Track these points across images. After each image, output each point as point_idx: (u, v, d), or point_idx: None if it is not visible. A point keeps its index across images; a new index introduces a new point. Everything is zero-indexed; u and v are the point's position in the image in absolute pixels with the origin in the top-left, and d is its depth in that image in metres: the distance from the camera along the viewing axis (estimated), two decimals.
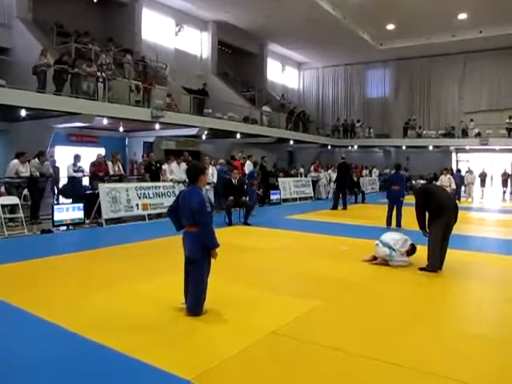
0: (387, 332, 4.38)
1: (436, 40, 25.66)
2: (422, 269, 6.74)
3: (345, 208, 15.98)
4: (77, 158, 11.88)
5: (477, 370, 3.60)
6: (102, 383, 3.26)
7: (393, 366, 3.59)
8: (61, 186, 13.02)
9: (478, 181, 23.26)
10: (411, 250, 7.17)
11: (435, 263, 6.69)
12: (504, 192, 24.44)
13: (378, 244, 7.20)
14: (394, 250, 7.02)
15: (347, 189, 16.87)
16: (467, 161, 27.36)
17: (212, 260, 4.68)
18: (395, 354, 3.81)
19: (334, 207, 15.79)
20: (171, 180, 12.95)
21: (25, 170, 10.78)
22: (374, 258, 7.30)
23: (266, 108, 23.83)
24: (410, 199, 11.84)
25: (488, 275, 6.93)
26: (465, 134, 26.17)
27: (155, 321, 4.47)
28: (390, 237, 7.27)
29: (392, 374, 3.48)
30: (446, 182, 15.65)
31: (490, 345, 4.14)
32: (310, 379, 3.37)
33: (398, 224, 11.01)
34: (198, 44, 25.29)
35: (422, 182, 25.33)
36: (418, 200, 6.93)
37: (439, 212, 6.69)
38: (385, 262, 7.13)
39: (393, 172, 12.33)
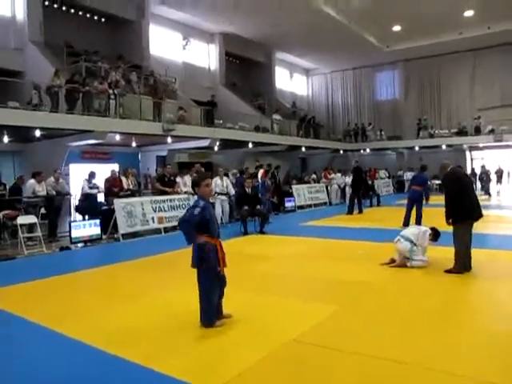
0: (408, 334, 4.33)
1: (443, 39, 25.54)
2: (447, 271, 6.59)
3: (360, 212, 15.90)
4: (92, 175, 12.03)
5: (501, 371, 3.54)
6: None
7: (415, 368, 3.56)
8: (77, 202, 13.15)
9: (494, 178, 22.96)
10: (434, 236, 7.15)
11: (463, 266, 6.54)
12: None
13: (399, 239, 7.16)
14: (415, 245, 6.98)
15: (362, 192, 16.82)
16: (482, 158, 27.01)
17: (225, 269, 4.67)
18: (417, 356, 3.76)
19: (350, 212, 15.69)
20: (185, 192, 13.02)
21: (41, 189, 10.96)
22: (392, 261, 7.24)
23: (276, 116, 23.90)
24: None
25: (508, 274, 6.81)
26: (478, 131, 25.87)
27: (174, 332, 4.48)
28: (410, 231, 7.26)
29: (415, 376, 3.44)
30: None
31: (504, 343, 4.07)
32: (334, 383, 3.34)
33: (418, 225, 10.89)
34: (206, 56, 25.53)
35: (436, 182, 25.19)
36: (450, 187, 6.70)
37: (467, 205, 6.54)
38: (403, 264, 7.07)
39: (416, 173, 12.26)
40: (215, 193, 12.68)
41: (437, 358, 3.72)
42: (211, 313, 4.59)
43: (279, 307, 5.26)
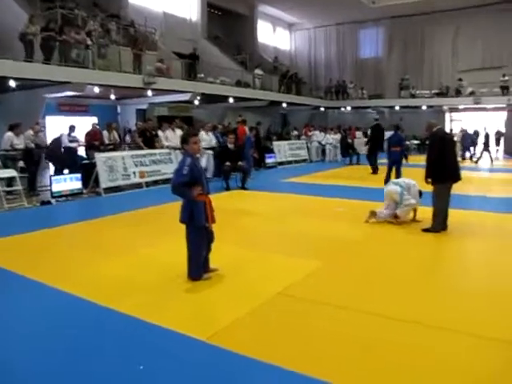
0: (389, 289, 4.54)
1: None
2: (425, 230, 6.82)
3: (375, 172, 14.77)
4: (72, 128, 11.81)
5: (468, 322, 3.78)
6: (116, 346, 3.40)
7: (393, 321, 3.77)
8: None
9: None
10: (418, 195, 7.44)
11: (440, 225, 6.76)
12: (497, 151, 24.56)
13: (390, 184, 7.55)
14: (404, 189, 7.24)
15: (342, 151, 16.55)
16: (460, 120, 27.29)
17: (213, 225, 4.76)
18: (395, 310, 3.99)
19: (375, 171, 14.72)
20: (167, 147, 12.93)
21: (19, 142, 10.73)
22: (373, 214, 7.45)
23: (258, 71, 23.52)
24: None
25: (485, 233, 7.08)
26: (458, 93, 26.01)
27: (163, 285, 4.60)
28: (402, 179, 7.68)
29: (393, 328, 3.66)
30: None
31: (482, 299, 4.31)
32: (318, 336, 3.53)
33: None
34: (187, 6, 24.67)
35: (415, 142, 25.46)
36: (437, 146, 6.75)
37: (449, 167, 6.70)
38: (392, 215, 7.33)
39: (391, 133, 12.20)
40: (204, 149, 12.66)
41: (417, 312, 3.94)
42: (199, 267, 4.71)
43: (264, 262, 5.42)
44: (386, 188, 7.59)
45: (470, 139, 21.99)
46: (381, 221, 7.41)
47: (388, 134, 13.50)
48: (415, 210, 7.44)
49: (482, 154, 20.88)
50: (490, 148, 20.89)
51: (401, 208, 7.26)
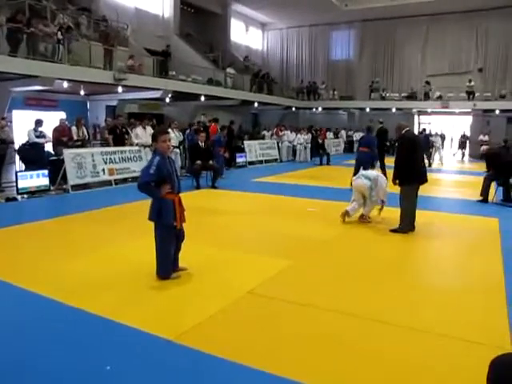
0: (357, 289, 4.62)
1: (400, 1, 25.66)
2: (393, 230, 6.94)
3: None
4: (38, 122, 11.49)
5: (427, 318, 3.90)
6: (82, 345, 3.33)
7: (361, 319, 3.85)
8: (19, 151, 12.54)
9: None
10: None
11: (408, 226, 6.89)
12: (463, 154, 25.26)
13: (359, 177, 7.57)
14: (373, 182, 7.35)
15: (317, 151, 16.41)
16: (429, 123, 27.95)
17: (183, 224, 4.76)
18: (360, 308, 4.07)
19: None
20: (137, 144, 12.79)
21: None
22: (347, 213, 7.55)
23: (230, 70, 23.52)
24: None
25: (447, 234, 7.30)
26: (427, 96, 26.62)
27: (131, 284, 4.55)
28: (369, 172, 7.74)
29: (361, 326, 3.73)
30: None
31: (443, 295, 4.46)
32: (288, 335, 3.56)
33: None
34: (160, 3, 24.42)
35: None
36: (405, 148, 6.84)
37: (417, 169, 6.82)
38: (363, 219, 7.57)
39: (363, 134, 12.28)
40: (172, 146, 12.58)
41: (384, 311, 4.02)
42: (167, 265, 4.68)
43: (233, 261, 5.43)
44: (355, 181, 7.62)
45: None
46: (352, 220, 7.56)
47: (358, 134, 13.58)
48: (383, 204, 7.51)
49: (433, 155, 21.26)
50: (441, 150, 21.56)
51: (367, 205, 7.42)
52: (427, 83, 26.56)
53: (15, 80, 13.47)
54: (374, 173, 7.70)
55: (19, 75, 12.98)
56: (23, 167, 11.18)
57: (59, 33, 13.87)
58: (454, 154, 26.39)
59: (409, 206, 6.85)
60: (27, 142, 11.45)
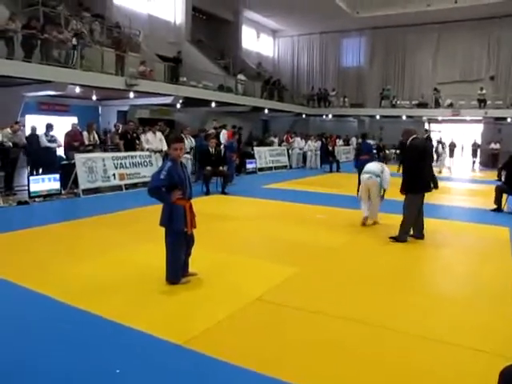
0: (362, 294, 4.61)
1: (412, 9, 25.66)
2: (392, 238, 6.89)
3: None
4: (49, 127, 11.63)
5: (436, 326, 3.87)
6: (92, 349, 3.35)
7: (364, 326, 3.83)
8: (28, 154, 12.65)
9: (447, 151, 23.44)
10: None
11: (404, 236, 6.82)
12: (473, 162, 25.07)
13: (370, 176, 7.67)
14: (380, 176, 7.62)
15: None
16: (439, 131, 27.81)
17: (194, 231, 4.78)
18: (368, 315, 4.05)
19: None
20: (147, 150, 12.87)
21: None
22: (365, 219, 7.77)
23: (240, 76, 23.62)
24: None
25: (455, 242, 7.24)
26: (437, 104, 26.52)
27: (141, 288, 4.58)
28: (374, 167, 7.86)
29: (368, 333, 3.71)
30: None
31: (450, 303, 4.43)
32: (295, 341, 3.55)
33: None
34: (172, 9, 24.65)
35: (393, 151, 25.84)
36: (411, 157, 6.77)
37: (424, 178, 6.77)
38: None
39: (360, 141, 12.29)
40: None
41: (392, 318, 4.01)
42: (177, 270, 4.70)
43: (243, 267, 5.44)
44: (364, 180, 7.74)
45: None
46: (361, 227, 7.66)
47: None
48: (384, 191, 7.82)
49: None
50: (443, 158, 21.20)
51: (372, 206, 7.60)
52: (436, 90, 26.47)
53: (28, 85, 13.65)
54: (379, 166, 7.90)
55: (33, 80, 13.16)
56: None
57: (74, 39, 14.04)
58: (463, 163, 26.14)
59: (411, 215, 6.75)
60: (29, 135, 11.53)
